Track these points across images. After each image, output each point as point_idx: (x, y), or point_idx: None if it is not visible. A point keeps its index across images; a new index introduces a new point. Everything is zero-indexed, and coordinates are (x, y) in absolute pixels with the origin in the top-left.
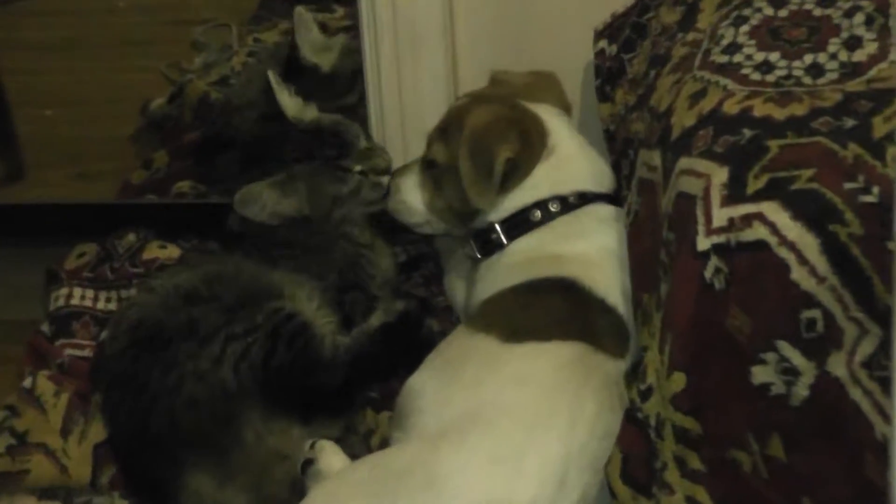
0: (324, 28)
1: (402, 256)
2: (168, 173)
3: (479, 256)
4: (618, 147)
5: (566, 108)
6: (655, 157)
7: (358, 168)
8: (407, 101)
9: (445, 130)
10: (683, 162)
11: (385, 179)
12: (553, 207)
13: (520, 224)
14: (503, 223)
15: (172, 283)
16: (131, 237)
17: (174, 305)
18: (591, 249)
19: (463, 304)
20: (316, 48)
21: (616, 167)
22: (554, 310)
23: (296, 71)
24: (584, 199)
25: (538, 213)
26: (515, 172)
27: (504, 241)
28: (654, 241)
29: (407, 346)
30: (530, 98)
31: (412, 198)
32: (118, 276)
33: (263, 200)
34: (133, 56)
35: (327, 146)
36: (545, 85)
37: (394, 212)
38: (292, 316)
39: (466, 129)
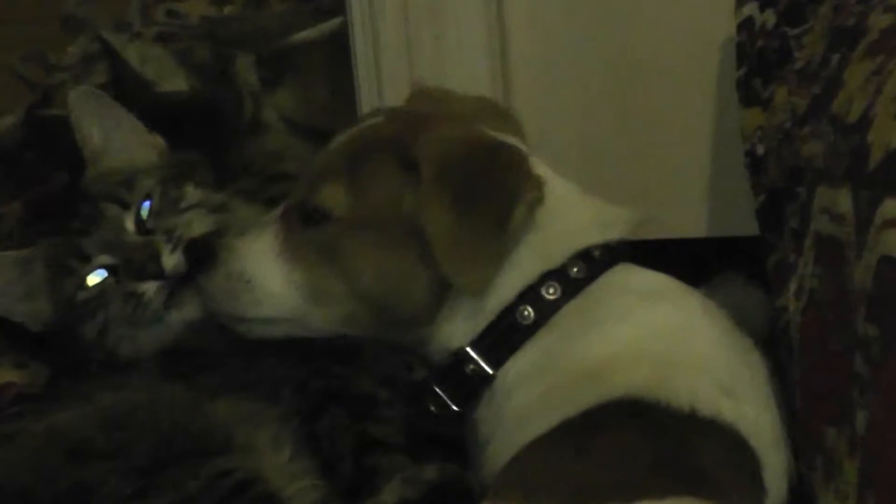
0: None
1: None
2: (24, 237)
3: (456, 409)
4: (775, 181)
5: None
6: (843, 200)
7: (105, 260)
8: None
9: (354, 162)
10: (890, 206)
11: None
12: (549, 293)
13: (505, 334)
14: (478, 342)
15: (45, 427)
16: None
17: (51, 464)
18: (641, 335)
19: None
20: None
21: (771, 215)
22: (626, 452)
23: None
24: (603, 261)
25: (528, 311)
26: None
27: (488, 370)
28: (844, 339)
29: None
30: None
31: (268, 274)
32: None
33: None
34: None
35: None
36: (499, 114)
37: (218, 300)
38: (248, 483)
39: (434, 156)
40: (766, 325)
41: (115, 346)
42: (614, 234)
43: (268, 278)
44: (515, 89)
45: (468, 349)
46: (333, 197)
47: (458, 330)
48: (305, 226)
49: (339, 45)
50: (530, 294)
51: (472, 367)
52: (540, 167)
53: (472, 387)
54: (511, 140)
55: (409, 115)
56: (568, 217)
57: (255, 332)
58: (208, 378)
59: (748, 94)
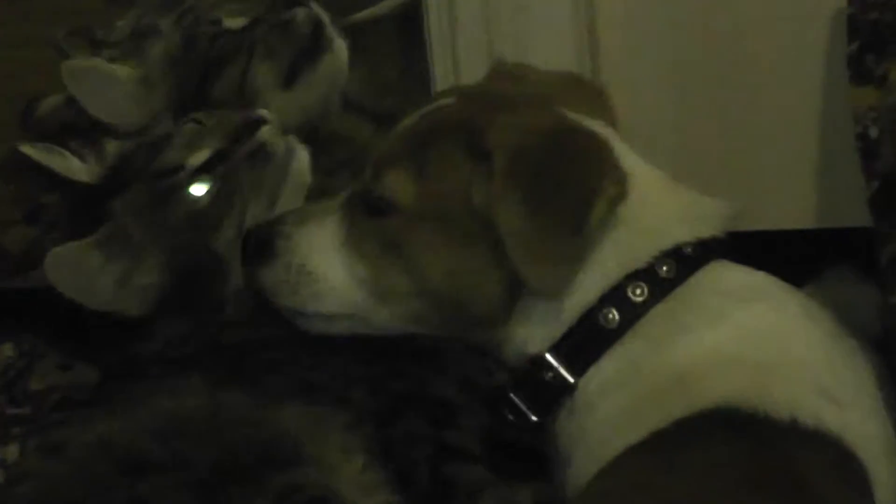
0: None
1: None
2: (75, 225)
3: (534, 419)
4: (890, 166)
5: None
6: None
7: (200, 156)
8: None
9: (422, 147)
10: None
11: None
12: (636, 295)
13: (586, 339)
14: (557, 347)
15: (96, 436)
16: (8, 351)
17: (103, 477)
18: (735, 339)
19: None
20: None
21: (885, 203)
22: (722, 466)
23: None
24: (695, 258)
25: (613, 314)
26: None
27: (568, 378)
28: None
29: None
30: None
31: (330, 267)
32: None
33: (84, 271)
34: None
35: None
36: (587, 94)
37: (277, 293)
38: (321, 500)
39: (509, 146)
40: (879, 324)
41: None
42: (707, 229)
43: (330, 272)
44: (604, 66)
45: (546, 355)
46: (398, 185)
47: (535, 333)
48: (370, 216)
49: (409, 21)
50: (615, 296)
51: (550, 374)
52: (627, 155)
53: (551, 396)
54: (596, 123)
55: (484, 97)
56: (656, 211)
57: (315, 327)
58: (273, 380)
59: (860, 72)
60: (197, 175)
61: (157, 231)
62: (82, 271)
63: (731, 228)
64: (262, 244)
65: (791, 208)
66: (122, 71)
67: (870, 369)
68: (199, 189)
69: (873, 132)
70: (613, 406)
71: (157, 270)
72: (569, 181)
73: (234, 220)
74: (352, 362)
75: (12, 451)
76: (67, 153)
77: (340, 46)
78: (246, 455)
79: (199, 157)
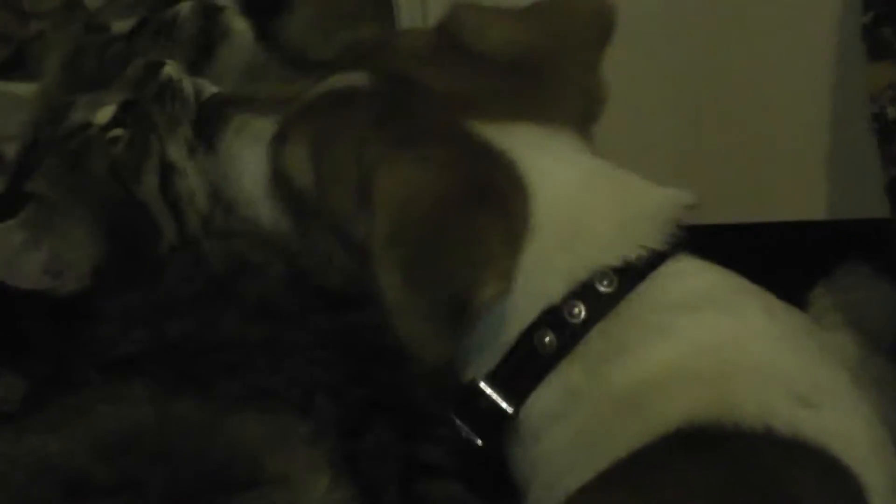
0: None
1: None
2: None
3: (479, 443)
4: None
5: (596, 100)
6: None
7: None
8: None
9: (321, 134)
10: None
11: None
12: (573, 315)
13: (522, 365)
14: (494, 374)
15: (30, 453)
16: None
17: (41, 501)
18: (685, 352)
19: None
20: None
21: None
22: (696, 495)
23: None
24: (639, 268)
25: (550, 338)
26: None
27: (506, 408)
28: None
29: None
30: (523, 86)
31: (251, 166)
32: None
33: (10, 250)
34: None
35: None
36: (570, 19)
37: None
38: None
39: (393, 206)
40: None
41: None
42: (654, 231)
43: (250, 174)
44: None
45: (481, 383)
46: (297, 161)
47: (469, 358)
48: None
49: None
50: (551, 317)
51: (486, 403)
52: (561, 155)
53: (491, 423)
54: (520, 133)
55: (397, 91)
56: (594, 218)
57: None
58: (226, 385)
59: (876, 46)
60: (108, 130)
61: (79, 194)
62: (8, 250)
63: (689, 221)
64: (215, 118)
65: (801, 198)
66: (23, 89)
67: (842, 367)
68: (103, 114)
69: (891, 112)
70: (559, 439)
71: (87, 240)
72: (448, 267)
73: (154, 165)
74: (312, 364)
75: None
76: None
77: (240, 29)
78: (200, 474)
79: (105, 113)
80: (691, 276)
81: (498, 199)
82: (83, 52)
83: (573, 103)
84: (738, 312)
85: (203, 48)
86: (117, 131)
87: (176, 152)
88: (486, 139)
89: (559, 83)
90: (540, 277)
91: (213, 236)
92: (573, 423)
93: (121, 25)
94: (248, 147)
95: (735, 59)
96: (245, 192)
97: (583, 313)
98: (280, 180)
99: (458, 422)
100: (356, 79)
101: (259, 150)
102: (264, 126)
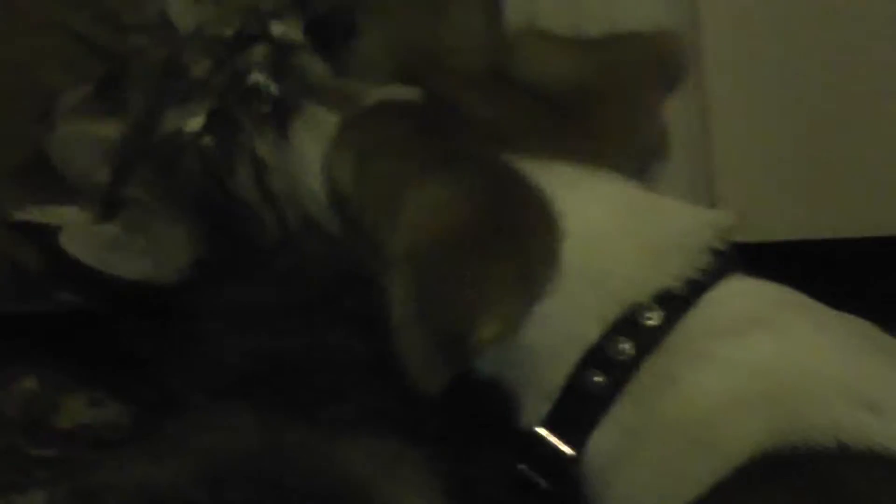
0: None
1: None
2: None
3: (545, 486)
4: None
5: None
6: None
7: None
8: None
9: (364, 146)
10: None
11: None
12: (620, 352)
13: (576, 408)
14: (550, 419)
15: (136, 482)
16: (30, 384)
17: None
18: (737, 378)
19: None
20: None
21: None
22: None
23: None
24: (684, 297)
25: (599, 377)
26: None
27: (567, 451)
28: None
29: None
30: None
31: (313, 161)
32: (8, 466)
33: (106, 245)
34: (7, 3)
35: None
36: (644, 61)
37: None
38: None
39: (414, 236)
40: None
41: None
42: (698, 258)
43: (315, 182)
44: (709, 41)
45: (538, 429)
46: (342, 168)
47: (524, 404)
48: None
49: None
50: (596, 357)
51: (547, 448)
52: (599, 188)
53: (557, 468)
54: (554, 173)
55: (445, 108)
56: (625, 255)
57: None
58: (336, 406)
59: None
60: (199, 137)
61: (174, 195)
62: (105, 245)
63: (733, 239)
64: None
65: None
66: (107, 129)
67: None
68: (193, 123)
69: None
70: (628, 482)
71: (185, 237)
72: (452, 298)
73: (246, 161)
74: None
75: (38, 499)
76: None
77: (314, 66)
78: None
79: (195, 122)
80: (736, 299)
81: (520, 236)
82: (165, 96)
83: (621, 145)
84: (785, 330)
85: (276, 129)
86: (207, 139)
87: (266, 150)
88: (523, 173)
89: (608, 124)
90: (573, 318)
91: (316, 240)
92: (641, 464)
93: (199, 68)
94: (314, 142)
95: (855, 78)
96: (307, 187)
97: (630, 349)
98: (329, 185)
99: (521, 466)
100: (409, 94)
101: (321, 147)
102: (330, 121)
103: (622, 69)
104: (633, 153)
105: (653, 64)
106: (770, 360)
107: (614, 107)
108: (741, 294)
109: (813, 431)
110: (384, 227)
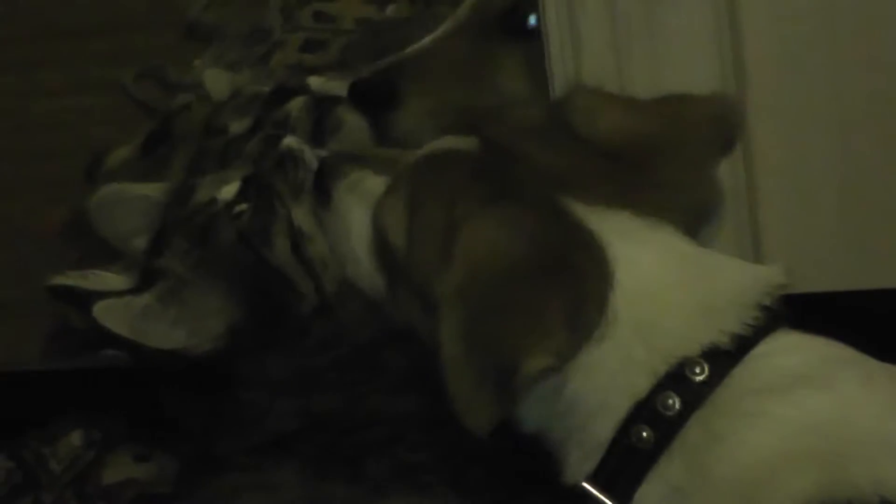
0: None
1: None
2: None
3: None
4: None
5: (706, 200)
6: None
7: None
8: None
9: (418, 194)
10: None
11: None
12: (667, 407)
13: (622, 463)
14: (596, 475)
15: None
16: (74, 440)
17: None
18: (784, 435)
19: None
20: None
21: None
22: None
23: None
24: (730, 352)
25: (646, 433)
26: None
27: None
28: None
29: None
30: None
31: (361, 235)
32: None
33: (140, 316)
34: (55, 60)
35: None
36: (680, 143)
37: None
38: None
39: (472, 260)
40: None
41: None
42: (738, 316)
43: (361, 243)
44: (753, 93)
45: (584, 484)
46: (392, 216)
47: (570, 461)
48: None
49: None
50: (644, 411)
51: (595, 503)
52: (650, 241)
53: None
54: (612, 220)
55: (501, 153)
56: (674, 310)
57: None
58: (376, 462)
59: None
60: (234, 206)
61: (209, 266)
62: (138, 316)
63: (784, 292)
64: (330, 175)
65: None
66: (151, 188)
67: None
68: (227, 190)
69: None
70: None
71: (220, 307)
72: (503, 332)
73: (283, 228)
74: (464, 435)
75: None
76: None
77: (353, 121)
78: None
79: (229, 190)
80: (782, 355)
81: (573, 276)
82: (205, 154)
83: (676, 200)
84: (831, 386)
85: (316, 142)
86: (242, 206)
87: (302, 218)
88: (579, 218)
89: (665, 178)
90: (623, 369)
91: (353, 302)
92: None
93: (237, 126)
94: (358, 204)
95: None
96: (351, 250)
97: (677, 405)
98: (376, 235)
99: None
100: (464, 143)
101: (365, 209)
102: (377, 183)
103: (681, 126)
104: (689, 209)
105: (710, 123)
106: (816, 416)
107: (673, 162)
108: (788, 350)
109: (856, 490)
110: (434, 268)
